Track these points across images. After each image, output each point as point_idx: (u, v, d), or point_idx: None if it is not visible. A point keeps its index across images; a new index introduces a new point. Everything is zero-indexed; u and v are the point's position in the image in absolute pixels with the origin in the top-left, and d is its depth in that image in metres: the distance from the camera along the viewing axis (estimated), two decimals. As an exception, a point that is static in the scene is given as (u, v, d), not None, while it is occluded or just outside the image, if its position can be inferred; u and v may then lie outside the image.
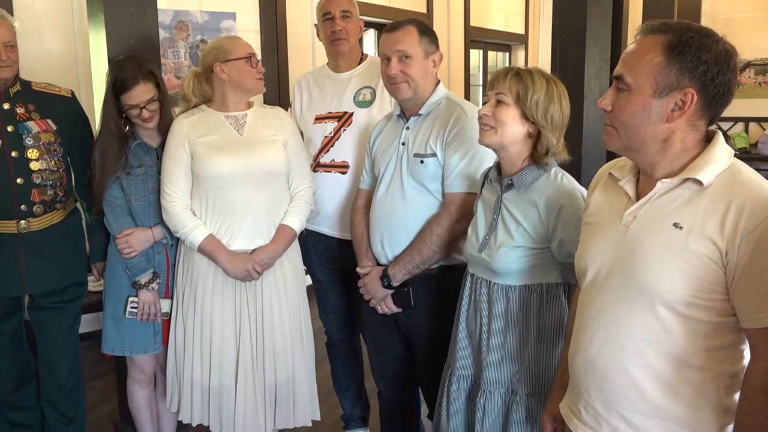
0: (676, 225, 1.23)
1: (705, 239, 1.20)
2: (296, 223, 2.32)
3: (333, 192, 2.53)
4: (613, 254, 1.33)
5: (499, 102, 1.69)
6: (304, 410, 2.39)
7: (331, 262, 2.63)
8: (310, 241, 2.61)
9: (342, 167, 2.52)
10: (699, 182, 1.23)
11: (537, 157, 1.72)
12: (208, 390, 2.29)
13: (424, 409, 2.59)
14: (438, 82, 2.12)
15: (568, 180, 1.73)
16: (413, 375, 2.35)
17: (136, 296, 2.30)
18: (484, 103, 1.73)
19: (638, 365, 1.28)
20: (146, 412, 2.52)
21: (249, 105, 2.34)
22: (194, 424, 2.37)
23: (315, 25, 2.66)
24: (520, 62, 8.30)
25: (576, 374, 1.41)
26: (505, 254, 1.72)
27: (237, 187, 2.22)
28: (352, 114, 2.53)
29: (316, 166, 2.55)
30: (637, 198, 1.33)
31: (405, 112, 2.14)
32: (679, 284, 1.22)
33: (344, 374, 2.82)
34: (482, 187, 1.87)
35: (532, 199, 1.71)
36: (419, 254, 2.04)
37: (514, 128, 1.68)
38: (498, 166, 1.80)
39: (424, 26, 2.08)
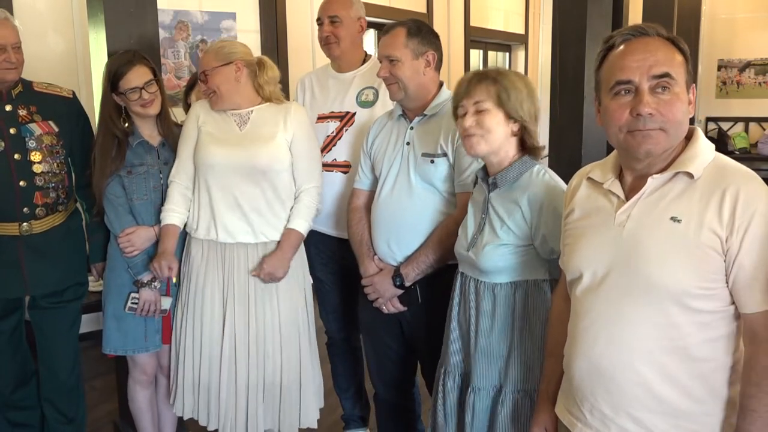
0: (673, 219, 1.26)
1: (705, 230, 1.22)
2: (302, 225, 2.30)
3: (334, 191, 2.53)
4: (611, 255, 1.33)
5: (479, 111, 1.69)
6: (291, 417, 2.37)
7: (332, 261, 2.63)
8: (311, 240, 2.61)
9: (344, 167, 2.52)
10: (690, 175, 1.26)
11: (531, 150, 1.74)
12: (198, 384, 2.32)
13: (424, 409, 2.59)
14: (441, 83, 2.13)
15: (550, 176, 1.74)
16: (411, 376, 2.35)
17: (137, 293, 2.31)
18: (460, 116, 1.73)
19: (645, 362, 1.29)
20: (147, 413, 2.52)
21: (258, 100, 2.32)
22: (185, 417, 2.39)
23: None
24: (520, 62, 8.30)
25: (577, 378, 1.40)
26: (490, 252, 1.72)
27: (228, 180, 2.24)
28: (354, 114, 2.53)
29: None
30: (627, 197, 1.34)
31: (407, 113, 2.14)
32: (684, 277, 1.24)
33: (344, 374, 2.82)
34: (473, 186, 1.88)
35: (515, 197, 1.72)
36: (434, 253, 2.03)
37: (499, 132, 1.70)
38: (485, 166, 1.81)
39: (417, 27, 2.06)
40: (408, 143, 2.10)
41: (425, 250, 2.05)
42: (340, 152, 2.53)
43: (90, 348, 2.94)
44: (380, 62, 2.09)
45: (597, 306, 1.35)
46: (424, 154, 2.06)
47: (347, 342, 2.79)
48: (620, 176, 1.38)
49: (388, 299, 2.13)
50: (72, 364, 2.52)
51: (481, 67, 7.73)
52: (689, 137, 1.32)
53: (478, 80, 1.70)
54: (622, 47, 1.31)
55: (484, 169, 1.81)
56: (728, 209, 1.21)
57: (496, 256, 1.72)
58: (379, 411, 2.45)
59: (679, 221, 1.25)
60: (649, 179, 1.29)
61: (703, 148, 1.29)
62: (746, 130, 7.72)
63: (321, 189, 2.37)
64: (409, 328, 2.19)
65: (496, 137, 1.69)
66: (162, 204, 2.32)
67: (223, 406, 2.30)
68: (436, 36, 2.11)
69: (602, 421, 1.36)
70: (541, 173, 1.74)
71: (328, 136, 2.56)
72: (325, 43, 2.56)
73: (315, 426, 2.45)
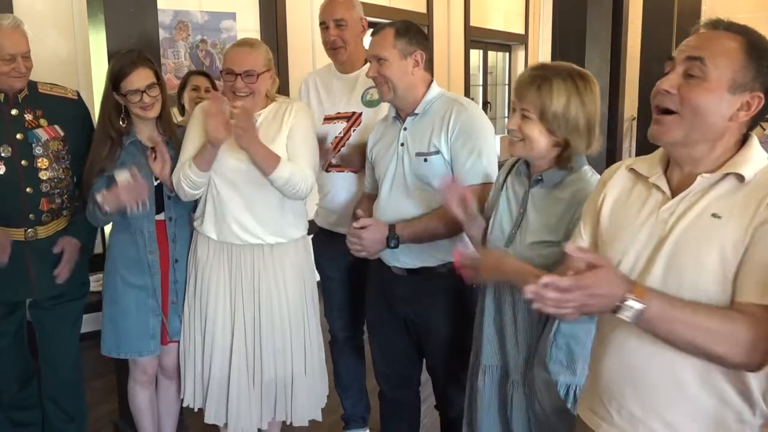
0: (714, 215, 1.23)
1: (741, 228, 1.20)
2: (286, 164, 2.18)
3: (344, 191, 2.54)
4: (649, 251, 1.29)
5: (524, 117, 1.67)
6: (302, 410, 2.41)
7: (341, 257, 2.63)
8: (321, 238, 2.62)
9: (354, 167, 2.53)
10: (741, 177, 1.24)
11: (561, 161, 1.70)
12: (208, 378, 2.34)
13: (424, 409, 2.60)
14: (431, 81, 2.12)
15: (597, 179, 1.70)
16: (417, 374, 2.36)
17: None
18: (512, 108, 1.73)
19: (681, 363, 1.26)
20: (147, 413, 2.52)
21: (267, 102, 2.31)
22: (196, 409, 2.42)
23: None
24: (520, 62, 8.30)
25: (606, 377, 1.37)
26: (532, 249, 1.71)
27: (234, 183, 2.25)
28: (360, 114, 2.54)
29: (328, 166, 2.57)
30: (672, 194, 1.31)
31: (400, 113, 2.14)
32: (721, 277, 1.21)
33: (347, 373, 2.83)
34: (506, 178, 1.85)
35: (560, 195, 1.70)
36: (429, 222, 2.03)
37: (540, 142, 1.68)
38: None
39: (405, 27, 2.07)
40: (402, 144, 2.11)
41: (422, 218, 2.05)
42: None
43: (90, 348, 2.93)
44: (369, 62, 2.10)
45: None
46: (417, 154, 2.06)
47: (351, 341, 2.79)
48: (666, 171, 1.35)
49: (368, 252, 2.07)
50: (74, 362, 2.53)
51: (480, 68, 7.74)
52: (743, 142, 1.29)
53: (530, 85, 1.65)
54: (696, 32, 1.29)
55: (526, 162, 1.78)
56: (761, 212, 1.19)
57: (537, 252, 1.70)
58: (384, 409, 2.46)
59: (719, 218, 1.22)
60: (699, 178, 1.26)
61: (757, 153, 1.27)
62: (746, 130, 7.71)
63: (311, 176, 2.28)
64: (414, 326, 2.21)
65: (536, 146, 1.68)
66: (157, 203, 2.32)
67: (234, 402, 2.32)
68: (424, 36, 2.12)
69: (630, 422, 1.33)
70: (589, 174, 1.72)
71: (336, 137, 2.56)
72: (332, 47, 2.55)
73: (320, 418, 2.49)
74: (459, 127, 2.01)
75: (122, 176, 2.15)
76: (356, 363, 2.82)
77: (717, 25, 1.27)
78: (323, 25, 2.56)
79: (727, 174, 1.25)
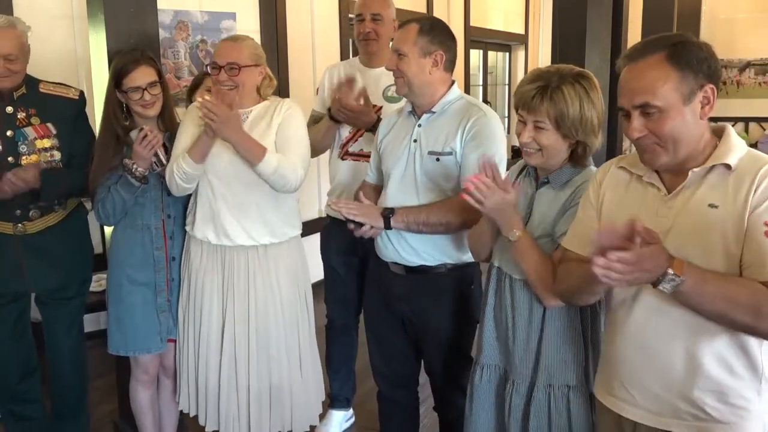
0: (711, 205, 1.32)
1: (737, 214, 1.29)
2: (273, 153, 2.17)
3: (360, 181, 2.53)
4: None
5: (538, 128, 1.68)
6: (300, 417, 2.40)
7: (350, 252, 2.65)
8: (332, 228, 2.63)
9: (369, 158, 2.54)
10: (728, 166, 1.33)
11: (577, 159, 1.73)
12: (204, 386, 2.33)
13: (423, 410, 2.60)
14: (453, 82, 2.11)
15: None
16: (416, 375, 2.36)
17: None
18: (518, 121, 1.73)
19: (694, 343, 1.35)
20: (148, 413, 2.52)
21: (258, 100, 2.31)
22: (191, 415, 2.41)
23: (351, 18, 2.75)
24: (520, 62, 8.30)
25: (627, 363, 1.45)
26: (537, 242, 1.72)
27: (225, 182, 2.24)
28: (380, 108, 2.58)
29: (344, 154, 2.63)
30: (667, 189, 1.39)
31: (416, 109, 2.13)
32: (726, 262, 1.30)
33: (339, 357, 2.90)
34: (516, 179, 1.85)
35: (564, 193, 1.72)
36: (427, 214, 2.01)
37: (557, 147, 1.69)
38: None
39: (430, 25, 2.07)
40: (415, 140, 2.09)
41: (422, 208, 2.03)
42: (368, 143, 2.56)
43: (90, 348, 2.93)
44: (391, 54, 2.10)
45: (642, 293, 1.39)
46: (430, 152, 2.05)
47: (347, 328, 2.85)
48: (657, 169, 1.43)
49: (366, 222, 2.03)
50: (76, 359, 2.55)
51: (480, 68, 7.74)
52: (720, 135, 1.38)
53: (539, 96, 1.65)
54: (623, 72, 1.37)
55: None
56: (754, 190, 1.28)
57: (541, 244, 1.71)
58: (382, 409, 2.46)
59: (716, 207, 1.31)
60: (690, 173, 1.35)
61: (736, 142, 1.36)
62: (746, 130, 7.72)
63: (300, 167, 2.25)
64: (411, 326, 2.20)
65: (555, 153, 1.70)
66: (162, 200, 2.33)
67: (223, 409, 2.31)
68: (449, 37, 2.09)
69: (656, 402, 1.41)
70: (594, 172, 1.72)
71: (351, 130, 2.61)
72: (365, 38, 2.63)
73: (317, 424, 2.50)
74: (475, 129, 2.00)
75: (134, 133, 2.21)
76: (349, 348, 2.90)
77: (633, 56, 1.34)
78: (359, 17, 2.64)
79: (715, 165, 1.34)
